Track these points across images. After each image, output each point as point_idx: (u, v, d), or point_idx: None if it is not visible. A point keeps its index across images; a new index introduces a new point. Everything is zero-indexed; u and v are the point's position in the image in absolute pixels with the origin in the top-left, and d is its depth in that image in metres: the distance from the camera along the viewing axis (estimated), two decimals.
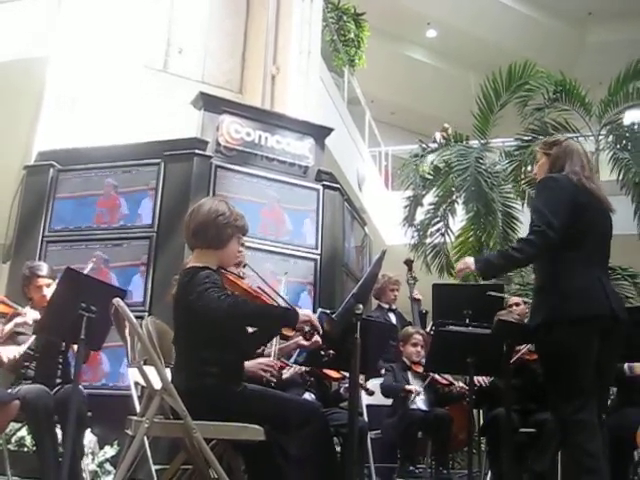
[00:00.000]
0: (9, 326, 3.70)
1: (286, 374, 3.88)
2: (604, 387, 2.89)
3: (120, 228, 5.21)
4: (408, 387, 4.69)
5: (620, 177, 8.13)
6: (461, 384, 4.78)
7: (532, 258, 2.97)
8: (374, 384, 4.70)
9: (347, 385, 3.89)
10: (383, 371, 4.81)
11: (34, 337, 3.68)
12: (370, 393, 4.42)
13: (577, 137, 8.52)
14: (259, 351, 3.41)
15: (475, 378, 4.38)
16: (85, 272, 4.04)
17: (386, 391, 4.74)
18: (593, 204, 2.92)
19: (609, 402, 3.81)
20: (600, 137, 8.46)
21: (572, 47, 15.58)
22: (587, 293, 2.81)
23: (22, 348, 3.66)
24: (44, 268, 3.97)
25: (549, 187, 2.95)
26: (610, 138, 8.49)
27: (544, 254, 2.89)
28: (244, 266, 3.24)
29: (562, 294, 2.82)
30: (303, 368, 3.94)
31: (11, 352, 3.63)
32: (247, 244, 4.12)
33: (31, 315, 3.72)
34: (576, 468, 2.72)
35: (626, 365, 3.98)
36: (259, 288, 3.00)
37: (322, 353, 3.29)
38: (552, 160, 3.08)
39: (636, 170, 8.00)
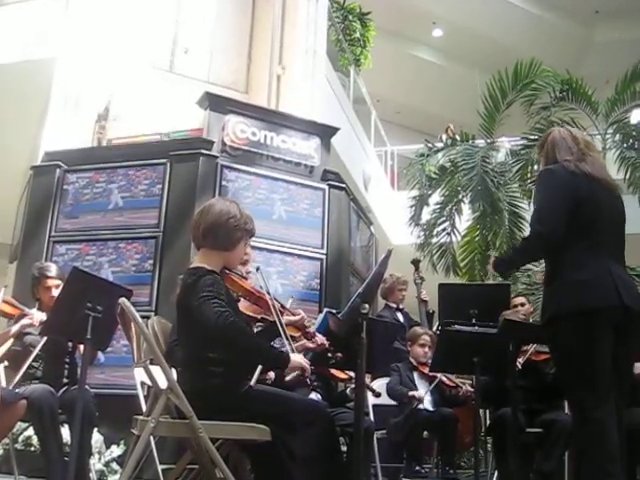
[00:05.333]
0: (16, 327, 3.71)
1: (288, 377, 3.88)
2: (622, 384, 2.74)
3: (126, 228, 5.22)
4: (411, 393, 4.67)
5: (627, 176, 8.08)
6: (467, 387, 4.77)
7: (524, 255, 3.04)
8: (380, 384, 4.69)
9: (353, 386, 3.88)
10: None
11: (42, 342, 3.69)
12: (377, 395, 4.41)
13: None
14: None
15: None
16: None
17: (391, 394, 4.73)
18: (595, 189, 2.82)
19: None
20: (607, 136, 8.41)
21: (579, 46, 15.51)
22: (593, 284, 2.70)
23: (16, 378, 3.65)
24: (53, 269, 3.97)
25: (544, 181, 2.91)
26: (617, 137, 8.43)
27: (541, 249, 2.86)
28: (257, 269, 3.22)
29: (568, 286, 2.73)
30: None
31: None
32: (253, 244, 4.12)
33: (38, 316, 3.73)
34: (593, 469, 2.59)
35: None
36: (260, 287, 3.00)
37: (330, 355, 3.28)
38: (544, 158, 3.05)
39: None
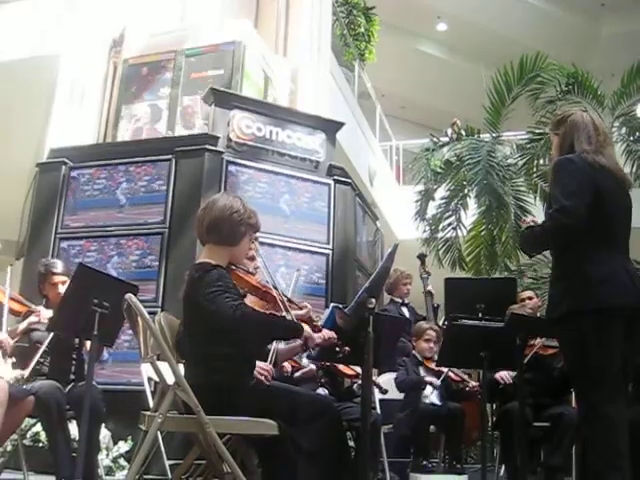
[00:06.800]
0: (23, 325, 3.73)
1: (297, 374, 3.88)
2: (627, 380, 2.73)
3: (132, 224, 5.23)
4: (428, 379, 4.68)
5: (633, 169, 8.07)
6: (474, 383, 4.76)
7: (543, 242, 2.86)
8: (385, 380, 4.69)
9: (360, 382, 3.89)
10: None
11: (49, 338, 3.69)
12: (384, 392, 4.40)
13: None
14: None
15: (498, 375, 4.37)
16: None
17: (404, 386, 4.72)
18: (611, 184, 2.74)
19: None
20: (613, 129, 8.37)
21: (584, 39, 15.44)
22: (614, 280, 2.63)
23: (27, 372, 3.64)
24: (59, 265, 3.97)
25: (564, 169, 2.75)
26: (623, 130, 8.41)
27: (561, 239, 2.73)
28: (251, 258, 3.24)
29: (587, 281, 2.64)
30: (314, 367, 3.93)
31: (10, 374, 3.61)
32: (260, 239, 4.12)
33: (45, 313, 3.74)
34: (600, 464, 2.55)
35: None
36: (267, 282, 3.00)
37: (337, 349, 3.27)
38: (561, 140, 2.91)
39: None
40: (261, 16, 7.97)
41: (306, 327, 2.75)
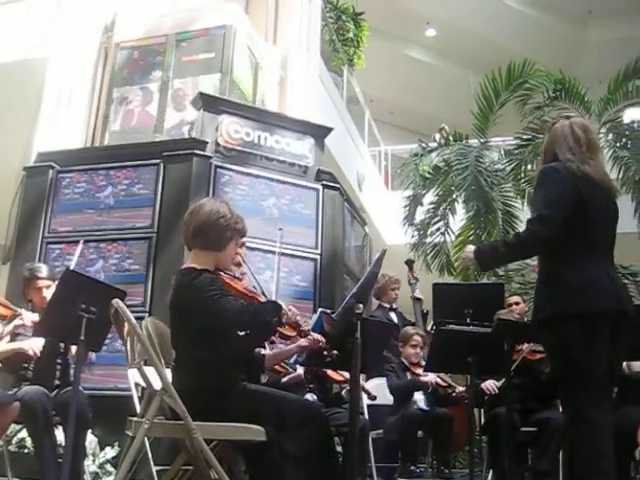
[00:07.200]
0: (8, 328, 3.70)
1: (285, 379, 3.88)
2: (612, 385, 2.78)
3: (120, 229, 5.21)
4: (424, 379, 4.67)
5: (620, 175, 8.11)
6: (461, 388, 4.77)
7: (519, 252, 2.91)
8: (374, 385, 4.69)
9: (349, 388, 3.88)
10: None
11: (42, 343, 3.67)
12: (372, 398, 4.40)
13: None
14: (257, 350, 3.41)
15: (483, 385, 4.38)
16: (75, 256, 4.31)
17: (398, 390, 4.70)
18: (596, 193, 2.77)
19: None
20: (600, 135, 8.40)
21: (572, 46, 15.55)
22: (595, 286, 2.67)
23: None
24: (43, 270, 3.96)
25: (548, 177, 2.79)
26: (610, 136, 8.45)
27: (541, 250, 2.79)
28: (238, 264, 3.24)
29: (569, 287, 2.67)
30: (302, 373, 3.93)
31: (36, 344, 3.63)
32: (247, 244, 4.12)
33: (29, 317, 3.71)
34: (584, 467, 2.58)
35: (625, 363, 3.94)
36: (254, 287, 3.00)
37: (325, 353, 3.27)
38: (545, 147, 2.96)
39: (636, 168, 7.97)
40: (252, 6, 7.98)
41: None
